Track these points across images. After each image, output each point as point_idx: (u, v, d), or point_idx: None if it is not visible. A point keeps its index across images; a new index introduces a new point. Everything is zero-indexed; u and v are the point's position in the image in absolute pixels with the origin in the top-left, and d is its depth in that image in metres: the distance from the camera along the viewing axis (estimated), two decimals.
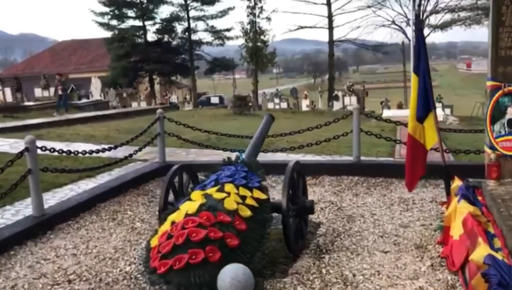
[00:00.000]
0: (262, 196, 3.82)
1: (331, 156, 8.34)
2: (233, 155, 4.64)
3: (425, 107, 4.77)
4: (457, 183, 4.21)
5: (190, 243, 3.22)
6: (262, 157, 5.91)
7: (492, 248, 2.92)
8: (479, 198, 3.91)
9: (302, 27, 36.77)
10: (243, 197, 3.66)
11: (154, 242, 3.49)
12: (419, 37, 4.92)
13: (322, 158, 8.22)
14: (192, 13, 37.95)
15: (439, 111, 16.05)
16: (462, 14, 30.80)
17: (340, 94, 28.05)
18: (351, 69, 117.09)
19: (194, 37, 38.36)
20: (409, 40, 30.16)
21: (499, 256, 2.67)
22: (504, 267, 2.53)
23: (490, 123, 4.53)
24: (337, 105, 27.71)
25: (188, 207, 3.55)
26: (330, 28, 35.47)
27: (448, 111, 22.80)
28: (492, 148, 4.50)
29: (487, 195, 3.74)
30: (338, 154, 8.44)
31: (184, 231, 3.29)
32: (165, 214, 3.79)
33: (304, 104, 30.34)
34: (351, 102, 25.79)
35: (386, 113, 19.70)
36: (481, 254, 2.69)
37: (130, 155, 7.35)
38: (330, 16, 35.28)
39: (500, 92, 4.49)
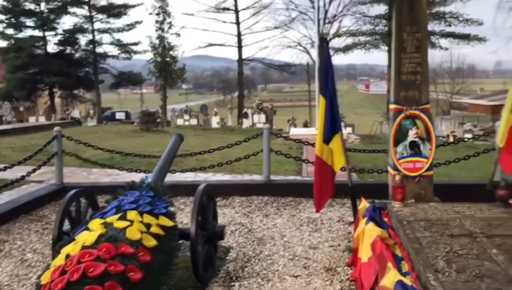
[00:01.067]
0: (169, 223, 3.57)
1: (241, 175, 8.25)
2: (138, 178, 4.34)
3: (331, 129, 4.83)
4: (364, 204, 4.26)
5: (87, 279, 2.88)
6: (170, 177, 5.65)
7: (400, 272, 2.94)
8: (385, 219, 3.98)
9: (211, 45, 36.85)
10: (148, 225, 3.38)
11: (46, 278, 3.08)
12: (327, 60, 4.99)
13: (233, 177, 8.11)
14: (97, 25, 36.51)
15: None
16: (362, 38, 32.77)
17: (249, 111, 28.37)
18: (259, 87, 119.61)
19: (99, 50, 36.86)
20: (313, 61, 31.42)
21: (408, 281, 2.68)
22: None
23: (394, 145, 4.69)
24: (246, 123, 27.97)
25: (86, 238, 3.20)
26: (239, 46, 35.92)
27: (349, 129, 23.93)
28: (396, 169, 4.66)
29: (393, 216, 3.82)
30: (248, 172, 8.37)
31: (80, 265, 2.94)
32: (59, 246, 3.38)
33: (214, 121, 30.24)
34: (259, 119, 26.17)
35: (293, 131, 20.17)
36: (391, 280, 2.68)
37: (23, 177, 6.69)
38: (239, 35, 35.74)
39: (402, 115, 4.67)
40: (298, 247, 4.68)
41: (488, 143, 12.10)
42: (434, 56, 45.89)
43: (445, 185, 6.15)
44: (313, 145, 5.38)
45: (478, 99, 53.61)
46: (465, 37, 29.72)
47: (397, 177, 4.04)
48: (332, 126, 4.84)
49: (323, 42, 4.94)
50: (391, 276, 2.74)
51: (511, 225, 3.48)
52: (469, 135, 22.13)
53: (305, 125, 30.32)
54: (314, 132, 20.31)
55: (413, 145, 4.67)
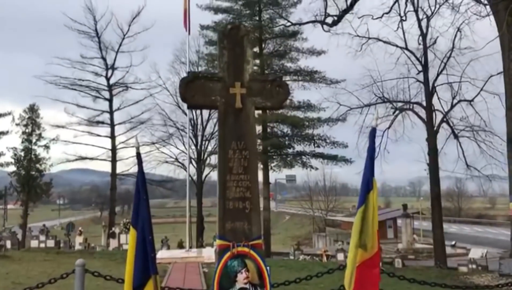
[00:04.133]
0: None
1: None
2: None
3: (143, 272, 3.63)
4: None
5: None
6: None
7: None
8: None
9: (82, 158, 34.59)
10: None
11: None
12: (141, 189, 3.84)
13: None
14: None
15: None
16: None
17: (117, 231, 25.97)
18: None
19: None
20: (191, 177, 30.68)
21: None
22: None
23: None
24: (114, 243, 25.44)
25: None
26: (114, 160, 34.19)
27: None
28: None
29: None
30: None
31: None
32: None
33: (77, 242, 27.17)
34: (127, 240, 23.89)
35: (160, 254, 18.39)
36: None
37: None
38: (113, 149, 34.19)
39: (229, 253, 3.65)
40: None
41: None
42: (310, 174, 47.97)
43: None
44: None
45: (350, 216, 56.28)
46: (333, 158, 31.35)
47: None
48: (145, 268, 3.65)
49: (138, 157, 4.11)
50: None
51: None
52: (341, 254, 22.13)
53: (180, 245, 28.49)
54: (184, 254, 18.77)
55: None
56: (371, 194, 3.74)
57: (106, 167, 34.94)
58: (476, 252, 19.88)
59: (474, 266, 17.84)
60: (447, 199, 61.26)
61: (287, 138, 31.84)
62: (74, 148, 51.85)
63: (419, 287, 6.46)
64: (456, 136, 21.29)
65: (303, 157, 31.48)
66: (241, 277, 3.60)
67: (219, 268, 3.60)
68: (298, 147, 31.67)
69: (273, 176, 35.03)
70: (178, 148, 34.70)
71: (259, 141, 31.22)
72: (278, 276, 7.26)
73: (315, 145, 31.09)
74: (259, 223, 3.80)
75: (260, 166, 31.68)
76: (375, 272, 3.82)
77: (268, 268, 3.72)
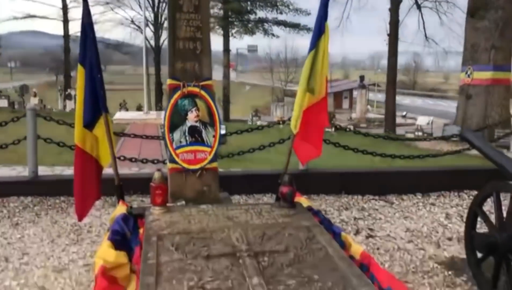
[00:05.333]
0: None
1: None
2: None
3: (93, 110, 3.63)
4: (120, 209, 3.17)
5: None
6: None
7: None
8: (141, 231, 2.93)
9: (31, 16, 32.44)
10: None
11: None
12: (86, 20, 3.68)
13: None
14: None
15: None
16: None
17: (73, 92, 25.52)
18: None
19: None
20: (148, 42, 29.73)
21: None
22: None
23: (169, 130, 3.68)
24: (70, 105, 25.17)
25: None
26: (66, 20, 32.30)
27: None
28: (173, 161, 3.67)
29: (147, 229, 2.80)
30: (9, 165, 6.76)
31: None
32: None
33: (32, 103, 26.66)
34: None
35: (118, 115, 18.50)
36: None
37: None
38: (65, 8, 32.09)
39: (179, 93, 3.68)
40: (36, 271, 3.41)
41: None
42: (272, 46, 47.37)
43: (241, 176, 5.45)
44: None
45: None
46: (295, 26, 30.80)
47: (156, 175, 3.00)
48: (95, 106, 3.64)
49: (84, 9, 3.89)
50: None
51: (288, 234, 2.69)
52: None
53: (139, 109, 28.50)
54: (143, 116, 18.88)
55: (194, 131, 3.72)
56: (322, 38, 3.74)
57: (59, 29, 33.07)
58: (423, 120, 20.96)
59: (420, 133, 18.95)
60: (404, 73, 62.72)
61: (249, 2, 30.64)
62: (21, 6, 48.23)
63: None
64: (419, 7, 21.14)
65: (265, 24, 30.72)
66: (192, 116, 3.68)
67: (170, 106, 3.65)
68: (260, 14, 30.72)
69: (234, 45, 34.40)
70: (133, 9, 32.92)
71: (220, 5, 29.95)
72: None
73: (278, 11, 30.20)
74: (209, 65, 3.78)
75: (221, 32, 30.85)
76: (322, 116, 3.95)
77: (218, 108, 3.82)
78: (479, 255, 3.47)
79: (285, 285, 2.12)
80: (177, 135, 3.68)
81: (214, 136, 3.75)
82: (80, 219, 3.67)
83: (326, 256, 2.45)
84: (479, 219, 3.53)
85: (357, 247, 2.68)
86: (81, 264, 3.55)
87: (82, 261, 3.61)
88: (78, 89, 3.72)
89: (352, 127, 21.95)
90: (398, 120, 25.48)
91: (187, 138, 3.70)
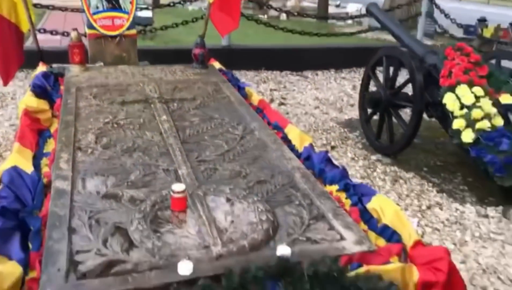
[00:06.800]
0: None
1: None
2: None
3: None
4: (40, 69, 3.33)
5: None
6: None
7: (40, 153, 2.22)
8: (62, 88, 3.14)
9: None
10: None
11: None
12: None
13: None
14: None
15: None
16: None
17: None
18: None
19: None
20: None
21: (28, 168, 1.95)
22: (29, 181, 1.85)
23: None
24: None
25: None
26: None
27: None
28: (91, 27, 3.77)
29: (66, 82, 3.02)
30: None
31: None
32: None
33: None
34: None
35: None
36: (4, 167, 1.92)
37: None
38: None
39: None
40: None
41: None
42: None
43: (162, 50, 5.62)
44: None
45: None
46: None
47: (73, 34, 3.16)
48: None
49: None
50: (8, 162, 1.98)
51: (198, 87, 3.03)
52: None
53: None
54: None
55: None
56: None
57: None
58: (352, 7, 21.19)
59: (350, 22, 19.29)
60: None
61: None
62: None
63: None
64: None
65: None
66: None
67: None
68: None
69: None
70: None
71: None
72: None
73: None
74: None
75: None
76: None
77: None
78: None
79: (189, 121, 2.49)
80: (93, 0, 3.75)
81: (131, 3, 3.85)
82: (5, 83, 3.80)
83: (228, 102, 2.83)
84: (372, 82, 4.04)
85: (257, 97, 3.08)
86: (7, 125, 3.75)
87: (8, 122, 3.81)
88: None
89: (285, 16, 21.91)
90: (332, 9, 25.52)
91: (104, 3, 3.78)
